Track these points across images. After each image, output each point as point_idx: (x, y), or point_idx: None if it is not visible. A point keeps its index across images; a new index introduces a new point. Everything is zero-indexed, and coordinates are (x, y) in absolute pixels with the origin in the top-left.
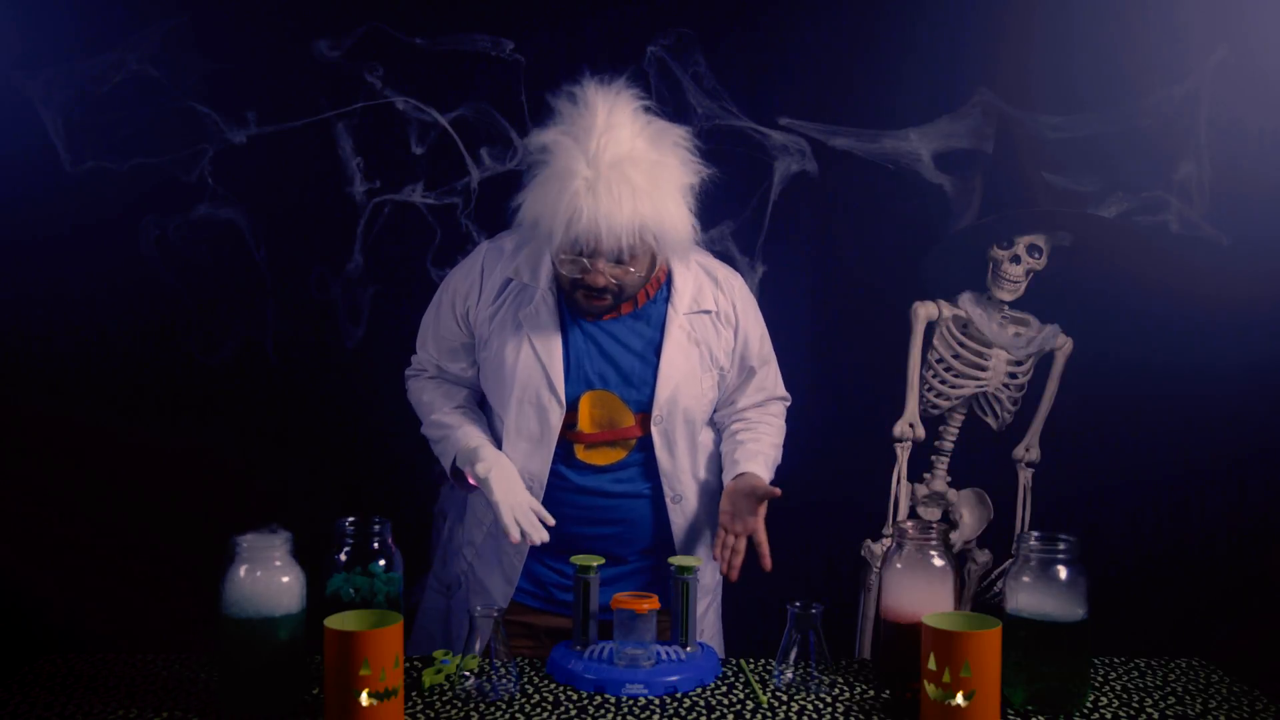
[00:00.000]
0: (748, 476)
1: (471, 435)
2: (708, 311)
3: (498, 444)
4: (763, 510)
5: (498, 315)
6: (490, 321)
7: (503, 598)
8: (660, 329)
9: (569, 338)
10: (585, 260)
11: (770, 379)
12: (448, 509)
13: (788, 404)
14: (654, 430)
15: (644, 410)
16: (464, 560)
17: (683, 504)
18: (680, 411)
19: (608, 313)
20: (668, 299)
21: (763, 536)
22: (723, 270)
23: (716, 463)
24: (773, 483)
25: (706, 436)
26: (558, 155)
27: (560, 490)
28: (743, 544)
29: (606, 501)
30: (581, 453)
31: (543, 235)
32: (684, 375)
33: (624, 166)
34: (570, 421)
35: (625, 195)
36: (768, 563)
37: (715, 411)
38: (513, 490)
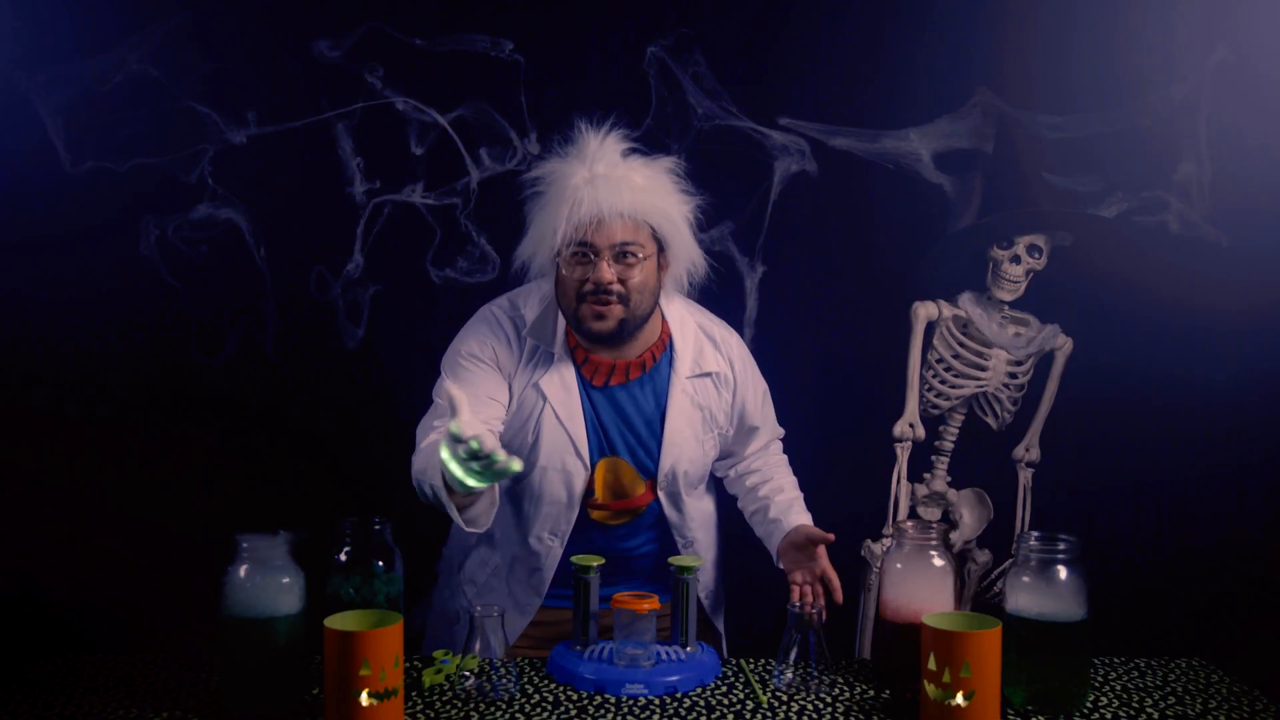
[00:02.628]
0: (798, 529)
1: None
2: (708, 374)
3: (517, 508)
4: (823, 552)
5: (526, 383)
6: (522, 387)
7: (511, 635)
8: (664, 396)
9: (582, 405)
10: (590, 255)
11: (770, 427)
12: (453, 554)
13: (783, 437)
14: (660, 494)
15: (652, 475)
16: (465, 598)
17: (694, 546)
18: (683, 474)
19: (617, 337)
20: (670, 363)
21: (832, 573)
22: (720, 329)
23: (713, 498)
24: None
25: (703, 483)
26: (555, 174)
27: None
28: (819, 587)
29: (620, 561)
30: (594, 514)
31: (547, 241)
32: (686, 440)
33: (621, 170)
34: (587, 489)
35: (624, 188)
36: (839, 595)
37: (716, 461)
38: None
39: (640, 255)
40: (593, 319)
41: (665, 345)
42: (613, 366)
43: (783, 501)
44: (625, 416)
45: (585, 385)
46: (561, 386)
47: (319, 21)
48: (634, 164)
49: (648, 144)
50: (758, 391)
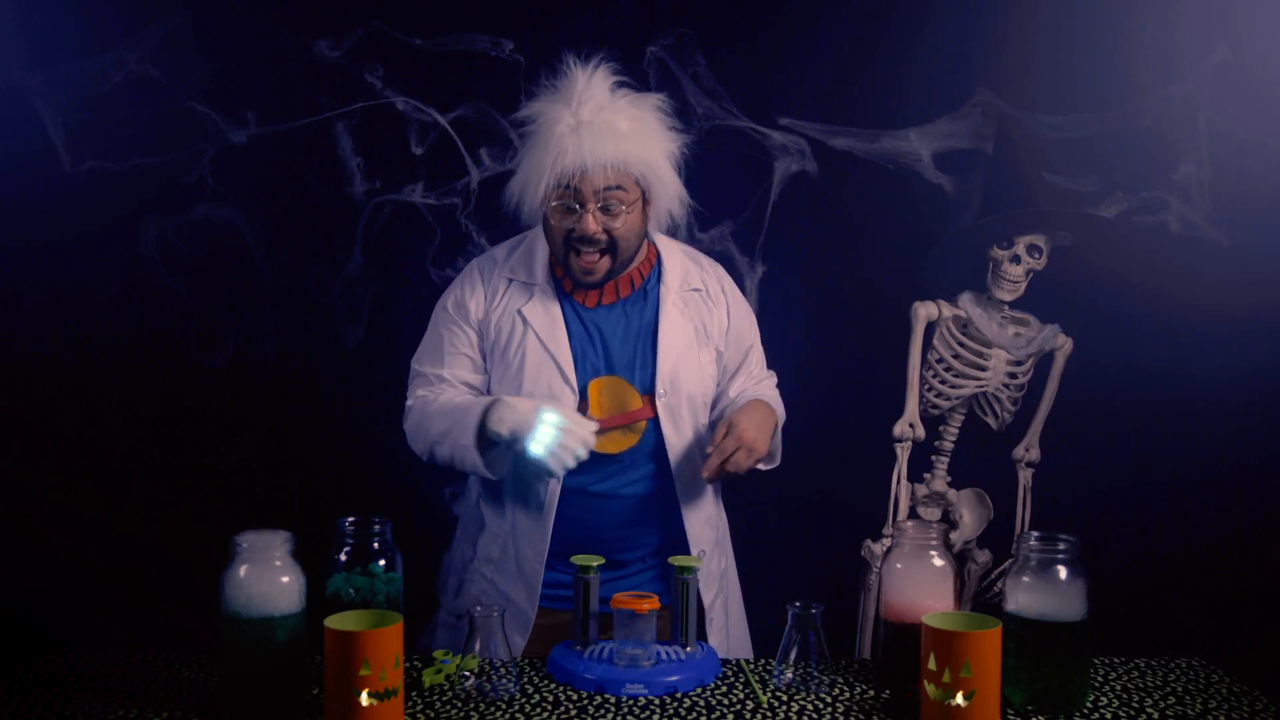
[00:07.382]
0: (749, 405)
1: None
2: (697, 290)
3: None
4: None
5: (503, 315)
6: (496, 323)
7: (529, 605)
8: (655, 308)
9: (570, 328)
10: (575, 205)
11: (758, 361)
12: (457, 543)
13: (775, 380)
14: (659, 404)
15: (649, 391)
16: (484, 579)
17: (689, 481)
18: (683, 387)
19: (606, 280)
20: (659, 280)
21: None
22: (705, 259)
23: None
24: (776, 474)
25: (706, 422)
26: (542, 117)
27: (573, 493)
28: (729, 452)
29: (619, 504)
30: (595, 443)
31: (531, 189)
32: (682, 349)
33: (606, 114)
34: (580, 410)
35: (609, 135)
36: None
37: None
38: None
39: (625, 204)
40: (581, 273)
41: (653, 264)
42: (603, 287)
43: (751, 393)
44: (620, 333)
45: (576, 309)
46: (544, 313)
47: (319, 21)
48: (620, 105)
49: None
50: (749, 317)
